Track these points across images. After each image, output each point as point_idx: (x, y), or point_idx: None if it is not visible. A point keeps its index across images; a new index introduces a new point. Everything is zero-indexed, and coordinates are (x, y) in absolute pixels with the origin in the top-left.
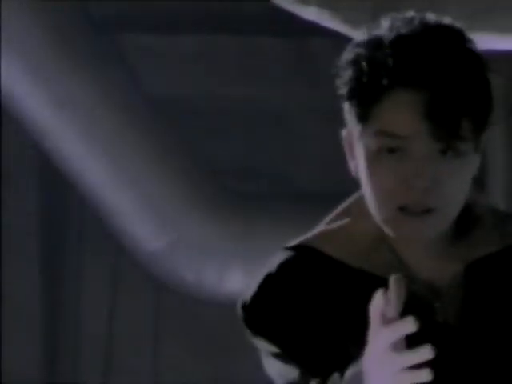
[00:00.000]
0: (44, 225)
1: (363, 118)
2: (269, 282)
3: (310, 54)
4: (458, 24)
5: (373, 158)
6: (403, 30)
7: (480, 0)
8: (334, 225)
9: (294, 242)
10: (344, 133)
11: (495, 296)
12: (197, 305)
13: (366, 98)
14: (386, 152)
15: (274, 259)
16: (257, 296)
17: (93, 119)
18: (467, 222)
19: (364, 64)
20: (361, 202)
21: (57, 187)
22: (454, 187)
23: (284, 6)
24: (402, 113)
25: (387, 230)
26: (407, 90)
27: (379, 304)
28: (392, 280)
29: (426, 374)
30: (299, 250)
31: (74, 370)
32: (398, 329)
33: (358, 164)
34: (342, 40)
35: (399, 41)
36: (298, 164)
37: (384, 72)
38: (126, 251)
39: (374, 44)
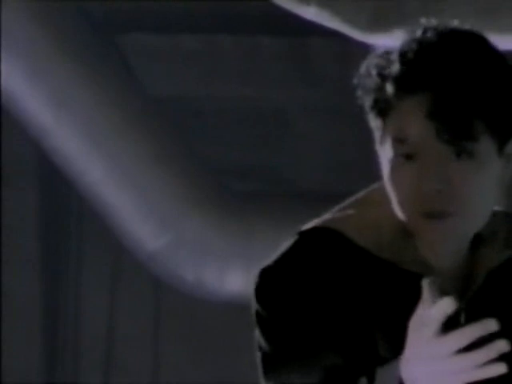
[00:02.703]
0: (44, 225)
1: (381, 126)
2: (285, 263)
3: (310, 54)
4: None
5: (392, 165)
6: (411, 38)
7: (482, 0)
8: (357, 211)
9: (316, 223)
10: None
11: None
12: (197, 305)
13: (380, 108)
14: (403, 159)
15: (294, 240)
16: (273, 274)
17: (93, 119)
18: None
19: (374, 75)
20: (385, 191)
21: (57, 187)
22: (471, 191)
23: (284, 6)
24: (411, 118)
25: (412, 232)
26: (414, 96)
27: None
28: (425, 282)
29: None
30: (322, 232)
31: (74, 370)
32: (439, 309)
33: (383, 170)
34: (341, 40)
35: (406, 48)
36: (298, 164)
37: (392, 81)
38: (125, 251)
39: (386, 54)
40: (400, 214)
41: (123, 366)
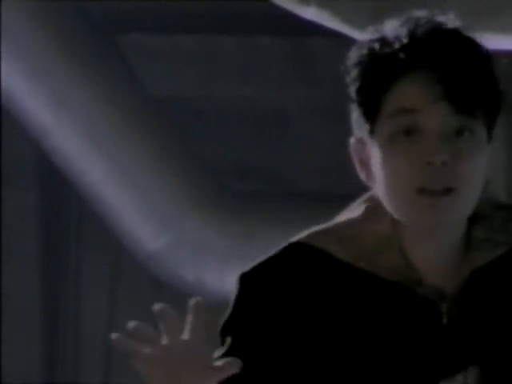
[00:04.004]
0: (44, 225)
1: (377, 105)
2: (260, 277)
3: (310, 54)
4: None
5: (388, 145)
6: (411, 23)
7: (486, 0)
8: (341, 222)
9: (297, 237)
10: (352, 141)
11: (501, 300)
12: None
13: (380, 81)
14: (401, 135)
15: (275, 252)
16: (249, 280)
17: (93, 119)
18: (475, 223)
19: (376, 51)
20: (371, 202)
21: (57, 187)
22: (470, 169)
23: (284, 6)
24: (419, 90)
25: (405, 218)
26: (423, 71)
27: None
28: (192, 303)
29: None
30: (299, 247)
31: (74, 370)
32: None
33: (372, 163)
34: (342, 40)
35: (410, 28)
36: (298, 164)
37: (400, 53)
38: (125, 251)
39: (384, 38)
40: (392, 197)
41: (123, 366)
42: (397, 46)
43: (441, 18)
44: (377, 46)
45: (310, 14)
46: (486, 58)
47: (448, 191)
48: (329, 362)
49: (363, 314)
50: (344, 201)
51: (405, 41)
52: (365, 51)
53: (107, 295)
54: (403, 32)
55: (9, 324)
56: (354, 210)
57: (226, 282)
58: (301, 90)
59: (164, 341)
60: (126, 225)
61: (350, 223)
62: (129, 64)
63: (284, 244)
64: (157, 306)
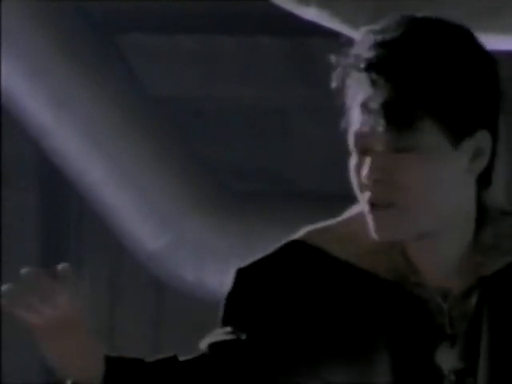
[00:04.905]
0: (44, 225)
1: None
2: (256, 273)
3: (310, 54)
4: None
5: (351, 156)
6: (379, 27)
7: (486, 0)
8: (341, 221)
9: (296, 236)
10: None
11: (505, 311)
12: (197, 305)
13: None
14: (358, 152)
15: (274, 249)
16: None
17: (93, 119)
18: (483, 229)
19: (342, 60)
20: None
21: (57, 187)
22: (413, 183)
23: (284, 6)
24: (362, 110)
25: None
26: (360, 76)
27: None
28: (59, 270)
29: None
30: (297, 245)
31: None
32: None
33: None
34: (341, 40)
35: (369, 35)
36: (298, 164)
37: (357, 65)
38: (125, 251)
39: (353, 47)
40: None
41: None
42: (355, 58)
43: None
44: (346, 54)
45: (310, 14)
46: (447, 66)
47: (388, 205)
48: (324, 361)
49: (359, 313)
50: (344, 201)
51: (360, 52)
52: (339, 54)
53: (107, 295)
54: (366, 42)
55: (9, 324)
56: (357, 208)
57: (225, 282)
58: (301, 90)
59: (45, 310)
60: (126, 225)
61: (350, 222)
62: (129, 64)
63: (283, 242)
64: (26, 272)
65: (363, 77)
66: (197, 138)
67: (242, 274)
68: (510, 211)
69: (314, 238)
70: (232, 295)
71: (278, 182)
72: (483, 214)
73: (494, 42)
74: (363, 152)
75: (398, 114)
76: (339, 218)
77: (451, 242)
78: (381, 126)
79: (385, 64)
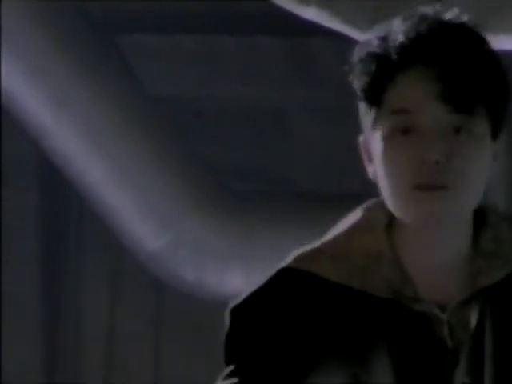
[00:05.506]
0: (44, 225)
1: (377, 103)
2: (251, 309)
3: (310, 54)
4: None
5: (388, 140)
6: (414, 20)
7: (486, 0)
8: (328, 241)
9: (284, 263)
10: (361, 138)
11: (507, 321)
12: (197, 305)
13: (378, 80)
14: (399, 134)
15: (262, 286)
16: (240, 313)
17: (93, 119)
18: (482, 233)
19: (370, 57)
20: (367, 211)
21: (57, 187)
22: (467, 167)
23: (284, 6)
24: (414, 89)
25: (403, 215)
26: (420, 69)
27: None
28: None
29: None
30: (288, 273)
31: (75, 370)
32: None
33: (375, 159)
34: (342, 40)
35: (411, 25)
36: (298, 164)
37: (395, 53)
38: (126, 251)
39: (385, 36)
40: (391, 193)
41: (123, 366)
42: (394, 44)
43: (446, 15)
44: (376, 44)
45: (310, 14)
46: (489, 53)
47: (442, 188)
48: None
49: (359, 335)
50: (344, 201)
51: (402, 39)
52: (366, 49)
53: (107, 295)
54: (403, 30)
55: (9, 324)
56: (348, 220)
57: (225, 282)
58: (301, 89)
59: None
60: (126, 225)
61: (337, 240)
62: (129, 64)
63: (272, 272)
64: None
65: (420, 68)
66: (197, 138)
67: (236, 311)
68: (507, 216)
69: (303, 262)
70: (230, 335)
71: (278, 182)
72: (482, 218)
73: (494, 41)
74: (403, 131)
75: (461, 98)
76: (326, 237)
77: (450, 244)
78: (442, 106)
79: (446, 52)
